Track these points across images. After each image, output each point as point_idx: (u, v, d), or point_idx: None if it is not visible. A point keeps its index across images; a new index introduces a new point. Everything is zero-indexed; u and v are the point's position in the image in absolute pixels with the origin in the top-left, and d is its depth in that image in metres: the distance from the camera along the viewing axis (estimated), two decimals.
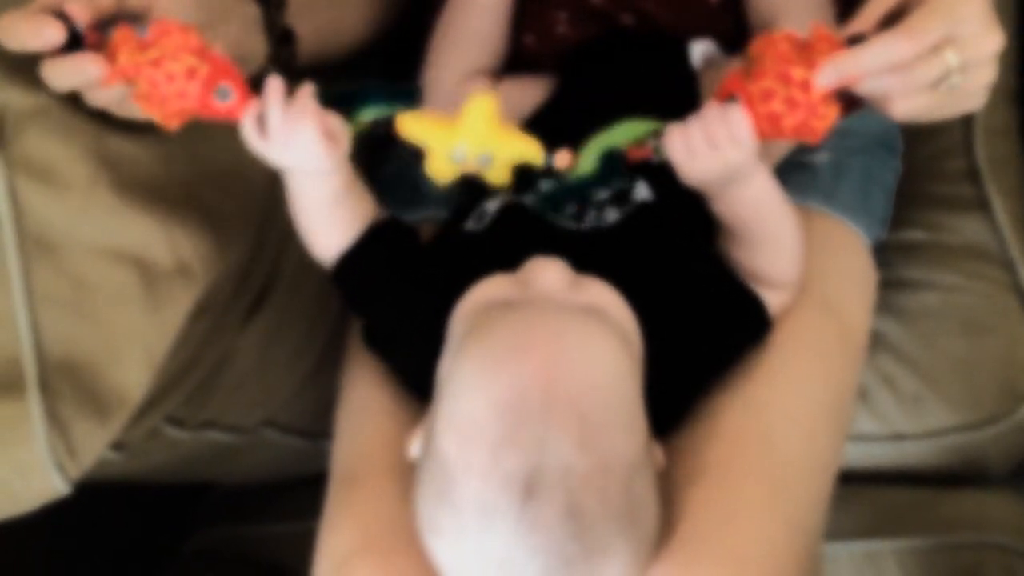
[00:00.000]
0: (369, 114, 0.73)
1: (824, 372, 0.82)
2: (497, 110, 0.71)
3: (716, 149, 0.69)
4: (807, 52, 0.68)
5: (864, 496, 1.08)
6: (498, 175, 0.75)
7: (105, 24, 0.68)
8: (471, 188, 0.80)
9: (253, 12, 0.79)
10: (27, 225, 0.69)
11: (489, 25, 0.91)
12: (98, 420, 0.71)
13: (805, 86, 0.68)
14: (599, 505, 0.62)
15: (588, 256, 0.72)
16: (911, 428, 1.06)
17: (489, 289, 0.71)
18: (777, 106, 0.68)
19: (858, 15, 0.68)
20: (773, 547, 0.71)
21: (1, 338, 0.68)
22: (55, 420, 0.69)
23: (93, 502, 0.81)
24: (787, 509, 0.73)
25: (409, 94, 0.74)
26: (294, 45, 0.83)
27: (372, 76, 1.02)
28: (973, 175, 1.10)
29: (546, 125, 0.78)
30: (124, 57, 0.67)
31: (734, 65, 0.73)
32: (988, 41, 0.67)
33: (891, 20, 0.67)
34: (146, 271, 0.73)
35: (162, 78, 0.68)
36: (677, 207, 0.76)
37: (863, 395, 1.06)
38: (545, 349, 0.64)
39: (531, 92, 0.88)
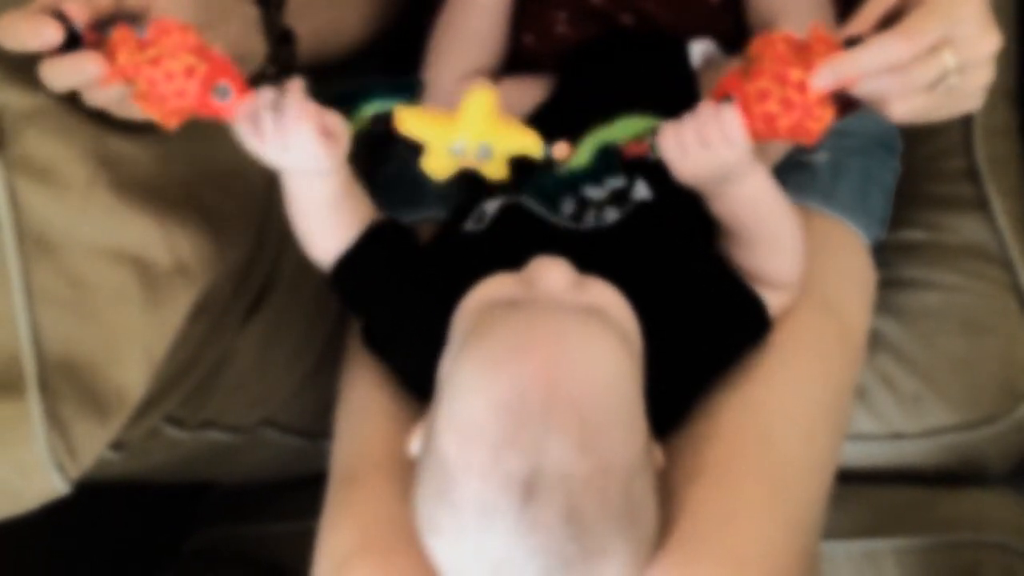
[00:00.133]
0: (371, 109, 0.73)
1: (823, 372, 0.82)
2: (496, 102, 0.71)
3: (708, 148, 0.69)
4: (805, 53, 0.68)
5: (863, 495, 1.08)
6: (496, 169, 0.75)
7: (104, 24, 0.68)
8: (470, 188, 0.80)
9: (252, 12, 0.79)
10: (26, 225, 0.69)
11: (489, 25, 0.91)
12: (98, 420, 0.72)
13: (801, 87, 0.68)
14: (598, 507, 0.62)
15: (588, 256, 0.72)
16: (910, 427, 1.07)
17: (493, 288, 0.71)
18: (773, 107, 0.68)
19: (856, 16, 0.69)
20: (772, 546, 0.71)
21: (1, 338, 0.68)
22: (55, 420, 0.69)
23: (93, 502, 0.81)
24: (786, 509, 0.73)
25: (411, 86, 0.74)
26: (293, 45, 0.83)
27: (372, 76, 1.02)
28: (972, 175, 1.10)
29: (545, 124, 0.78)
30: (123, 56, 0.67)
31: (733, 65, 0.73)
32: (985, 42, 0.67)
33: (889, 21, 0.67)
34: (145, 271, 0.73)
35: (161, 77, 0.68)
36: (676, 207, 0.76)
37: (862, 394, 1.06)
38: (547, 350, 0.64)
39: (530, 92, 0.88)
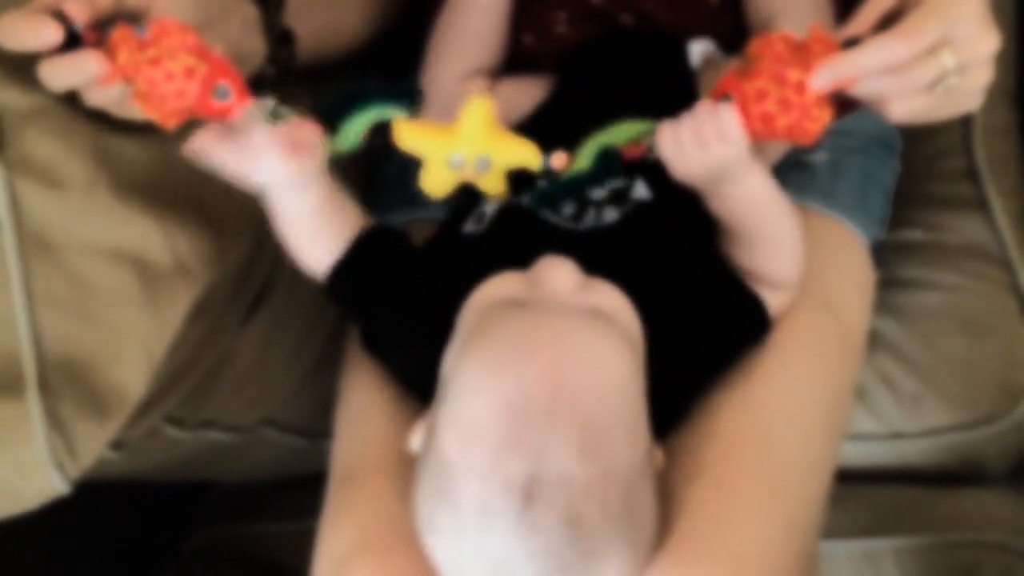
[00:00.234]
0: (368, 116, 0.73)
1: (822, 372, 0.82)
2: (494, 113, 0.71)
3: (705, 147, 0.69)
4: (803, 54, 0.68)
5: (862, 495, 1.08)
6: (494, 182, 0.75)
7: (103, 24, 0.68)
8: (470, 189, 0.80)
9: (252, 12, 0.79)
10: (26, 225, 0.69)
11: (488, 25, 0.90)
12: (97, 420, 0.72)
13: (799, 87, 0.68)
14: (599, 511, 0.62)
15: (588, 256, 0.72)
16: (910, 427, 1.07)
17: (499, 286, 0.71)
18: (770, 106, 0.68)
19: (855, 16, 0.69)
20: (771, 546, 0.71)
21: (1, 338, 0.68)
22: (55, 420, 0.69)
23: (93, 501, 0.81)
24: (785, 508, 0.73)
25: (410, 93, 0.74)
26: (293, 45, 0.83)
27: (372, 76, 1.01)
28: (972, 175, 1.10)
29: (544, 125, 0.78)
30: (123, 56, 0.67)
31: (733, 65, 0.73)
32: (985, 42, 0.67)
33: (888, 22, 0.67)
34: (145, 271, 0.73)
35: (161, 77, 0.68)
36: (676, 206, 0.76)
37: (862, 394, 1.06)
38: (552, 352, 0.64)
39: (530, 92, 0.88)
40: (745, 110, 0.69)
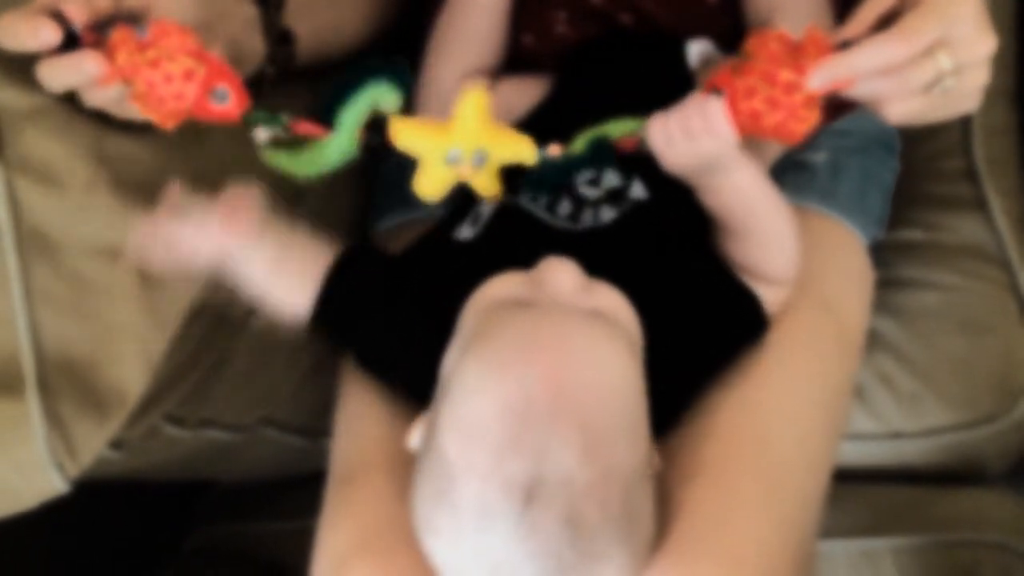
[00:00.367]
0: (363, 102, 0.72)
1: (821, 371, 0.82)
2: (489, 105, 0.71)
3: (693, 139, 0.70)
4: (797, 54, 0.69)
5: (861, 494, 1.08)
6: (489, 181, 0.75)
7: (102, 25, 0.68)
8: (466, 190, 0.80)
9: (252, 12, 0.80)
10: (26, 225, 0.69)
11: (488, 24, 0.91)
12: (97, 419, 0.72)
13: (789, 88, 0.68)
14: (599, 513, 0.62)
15: (585, 257, 0.72)
16: (909, 427, 1.07)
17: (501, 286, 0.71)
18: (758, 104, 0.69)
19: (853, 18, 0.69)
20: (768, 546, 0.71)
21: (0, 337, 0.68)
22: (54, 419, 0.69)
23: (93, 500, 0.81)
24: (782, 508, 0.73)
25: (401, 69, 0.74)
26: (292, 45, 0.83)
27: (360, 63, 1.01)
28: (971, 175, 1.10)
29: (543, 124, 0.78)
30: (122, 57, 0.67)
31: (729, 62, 0.73)
32: (981, 43, 0.67)
33: (886, 22, 0.67)
34: (145, 270, 0.73)
35: (159, 79, 0.68)
36: (673, 205, 0.76)
37: (861, 394, 1.06)
38: (554, 353, 0.64)
39: (529, 92, 0.88)
40: (734, 106, 0.69)
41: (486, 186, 0.75)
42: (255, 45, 0.80)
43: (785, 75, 0.68)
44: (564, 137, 0.75)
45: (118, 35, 0.68)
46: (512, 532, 0.61)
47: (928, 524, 1.07)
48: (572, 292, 0.69)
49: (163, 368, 0.76)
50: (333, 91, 0.73)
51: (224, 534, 1.21)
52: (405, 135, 0.72)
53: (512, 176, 0.76)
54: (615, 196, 0.77)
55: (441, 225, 0.82)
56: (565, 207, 0.77)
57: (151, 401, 0.79)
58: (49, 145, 0.70)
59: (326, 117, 0.72)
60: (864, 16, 0.68)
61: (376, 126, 0.73)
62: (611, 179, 0.78)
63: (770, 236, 0.76)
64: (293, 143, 0.73)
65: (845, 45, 0.68)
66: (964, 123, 1.11)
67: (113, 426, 0.73)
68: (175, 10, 0.70)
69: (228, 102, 0.70)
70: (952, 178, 1.11)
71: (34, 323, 0.69)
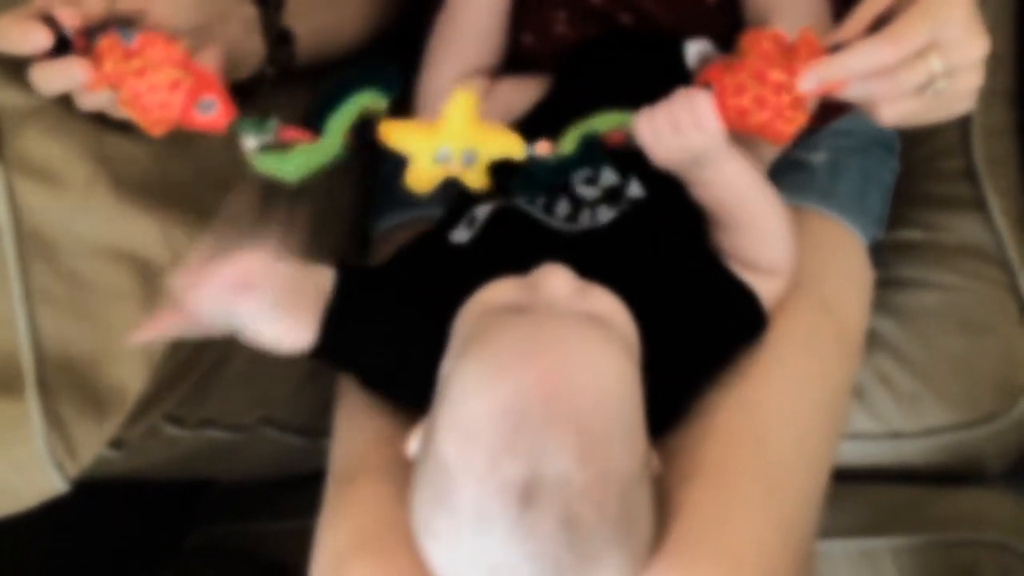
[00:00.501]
0: (351, 108, 0.73)
1: (820, 371, 0.82)
2: (477, 106, 0.72)
3: (680, 132, 0.70)
4: (789, 55, 0.69)
5: (861, 494, 1.08)
6: (477, 178, 0.75)
7: (94, 30, 0.68)
8: (462, 191, 0.80)
9: (251, 12, 0.80)
10: (25, 224, 0.69)
11: (488, 24, 0.91)
12: (96, 418, 0.72)
13: (778, 88, 0.69)
14: (596, 515, 0.62)
15: (582, 259, 0.72)
16: (908, 426, 1.07)
17: (496, 292, 0.71)
18: (746, 102, 0.70)
19: (847, 21, 0.69)
20: (767, 546, 0.71)
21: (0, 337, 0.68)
22: (54, 419, 0.69)
23: (93, 500, 0.81)
24: (781, 508, 0.73)
25: (390, 74, 0.74)
26: (292, 45, 0.83)
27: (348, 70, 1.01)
28: (970, 175, 1.10)
29: (541, 123, 0.78)
30: (109, 65, 0.67)
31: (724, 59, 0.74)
32: (973, 46, 0.68)
33: (880, 24, 0.68)
34: (144, 270, 0.73)
35: (145, 88, 0.68)
36: (670, 202, 0.76)
37: (860, 394, 1.06)
38: (550, 356, 0.64)
39: (529, 91, 0.88)
40: (722, 101, 0.70)
41: (476, 181, 0.75)
42: (255, 45, 0.80)
43: (775, 75, 0.69)
44: (548, 137, 0.75)
45: (104, 43, 0.68)
46: (509, 534, 0.61)
47: (927, 524, 1.07)
48: (567, 297, 0.69)
49: (163, 368, 0.76)
50: (320, 99, 0.73)
51: (224, 534, 1.21)
52: (393, 135, 0.73)
53: (506, 174, 0.76)
54: (612, 195, 0.77)
55: (436, 227, 0.82)
56: (563, 208, 0.77)
57: (151, 401, 0.79)
58: (48, 145, 0.70)
59: (315, 123, 0.72)
60: (858, 18, 0.68)
61: (365, 128, 0.73)
62: (608, 177, 0.78)
63: (762, 227, 0.76)
64: (281, 148, 0.73)
65: (837, 47, 0.68)
66: (963, 123, 1.11)
67: (113, 426, 0.73)
68: (172, 13, 0.71)
69: (214, 112, 0.70)
70: (951, 178, 1.11)
71: (34, 322, 0.69)
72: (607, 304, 0.70)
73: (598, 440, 0.63)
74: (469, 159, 0.73)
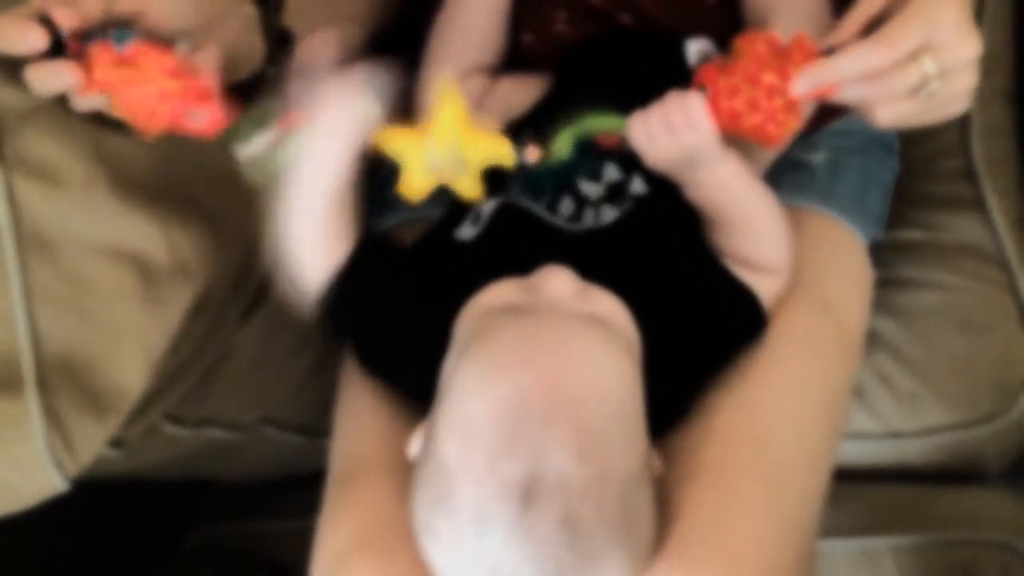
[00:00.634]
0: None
1: (820, 371, 0.82)
2: (465, 111, 0.72)
3: (673, 133, 0.71)
4: (783, 58, 0.70)
5: (861, 494, 1.08)
6: (471, 184, 0.75)
7: (93, 32, 0.68)
8: None
9: (251, 12, 0.80)
10: (25, 224, 0.69)
11: (487, 23, 0.91)
12: (96, 417, 0.72)
13: (771, 91, 0.69)
14: (596, 515, 0.62)
15: (585, 259, 0.72)
16: (908, 426, 1.07)
17: (497, 293, 0.71)
18: (739, 104, 0.70)
19: (840, 24, 0.70)
20: (768, 546, 0.71)
21: None
22: (53, 417, 0.70)
23: (92, 499, 0.81)
24: (782, 508, 0.73)
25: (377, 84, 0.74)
26: (292, 45, 0.83)
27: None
28: (970, 175, 1.10)
29: (541, 122, 0.78)
30: (99, 72, 0.68)
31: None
32: (966, 47, 0.68)
33: (873, 27, 0.68)
34: (144, 269, 0.73)
35: (135, 98, 0.69)
36: (673, 199, 0.77)
37: (860, 393, 1.06)
38: (550, 357, 0.64)
39: (528, 90, 0.88)
40: (715, 104, 0.71)
41: (468, 189, 0.75)
42: (254, 45, 0.80)
43: (768, 78, 0.69)
44: (537, 140, 0.75)
45: (96, 49, 0.68)
46: (510, 534, 0.62)
47: (927, 523, 1.07)
48: (568, 298, 0.69)
49: (163, 367, 0.76)
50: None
51: (224, 533, 1.21)
52: (386, 143, 0.73)
53: (503, 177, 0.76)
54: (616, 191, 0.78)
55: (441, 224, 0.82)
56: (567, 206, 0.78)
57: (151, 400, 0.80)
58: (48, 144, 0.70)
59: None
60: (851, 22, 0.69)
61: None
62: (611, 173, 0.78)
63: (758, 227, 0.76)
64: (271, 153, 0.73)
65: (831, 51, 0.68)
66: (962, 123, 1.11)
67: (113, 425, 0.73)
68: (171, 13, 0.70)
69: (204, 121, 0.70)
70: (951, 178, 1.11)
71: (33, 322, 0.69)
72: (608, 305, 0.71)
73: (598, 440, 0.63)
74: (458, 163, 0.73)
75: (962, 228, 1.09)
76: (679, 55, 0.86)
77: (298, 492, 0.94)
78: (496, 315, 0.69)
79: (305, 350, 1.00)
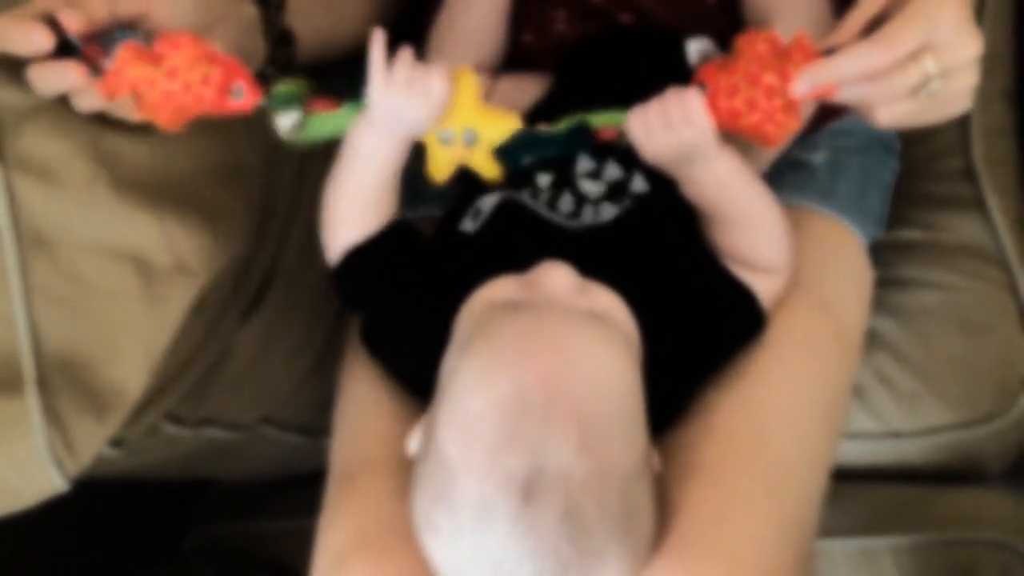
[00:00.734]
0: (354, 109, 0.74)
1: (819, 371, 0.82)
2: (479, 87, 0.74)
3: (671, 128, 0.71)
4: (783, 58, 0.70)
5: (861, 493, 1.08)
6: (486, 161, 0.76)
7: (100, 35, 0.68)
8: (467, 185, 0.81)
9: (252, 13, 0.80)
10: (25, 223, 0.69)
11: (488, 23, 0.91)
12: (96, 417, 0.72)
13: (770, 92, 0.70)
14: (596, 510, 0.62)
15: (584, 256, 0.72)
16: (908, 426, 1.07)
17: (497, 289, 0.71)
18: (738, 103, 0.70)
19: (841, 25, 0.69)
20: (767, 545, 0.71)
21: None
22: (53, 417, 0.70)
23: (93, 499, 0.81)
24: (781, 507, 0.73)
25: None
26: (293, 46, 0.83)
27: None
28: (969, 174, 1.10)
29: (541, 122, 0.78)
30: (136, 71, 0.68)
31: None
32: (966, 46, 0.68)
33: (874, 27, 0.68)
34: (144, 269, 0.73)
35: (179, 88, 0.70)
36: (672, 198, 0.77)
37: (860, 393, 1.06)
38: (550, 352, 0.65)
39: (529, 90, 0.88)
40: (714, 102, 0.71)
41: (485, 167, 0.76)
42: (256, 46, 0.80)
43: (768, 78, 0.70)
44: (548, 123, 0.76)
45: (127, 51, 0.68)
46: (511, 529, 0.62)
47: (927, 523, 1.07)
48: (568, 293, 0.69)
49: (163, 366, 0.76)
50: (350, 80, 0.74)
51: (224, 533, 1.21)
52: None
53: (517, 173, 0.77)
54: (616, 189, 0.78)
55: (444, 220, 0.82)
56: (566, 204, 0.78)
57: (151, 399, 0.80)
58: (48, 144, 0.70)
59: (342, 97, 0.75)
60: (851, 22, 0.69)
61: None
62: (612, 171, 0.79)
63: (756, 225, 0.76)
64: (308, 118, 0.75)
65: (831, 51, 0.68)
66: (963, 123, 1.11)
67: (113, 424, 0.73)
68: (173, 14, 0.71)
69: (243, 97, 0.72)
70: (951, 178, 1.11)
71: (33, 321, 0.69)
72: (608, 301, 0.71)
73: (599, 434, 0.63)
74: (471, 139, 0.74)
75: (962, 228, 1.09)
76: (680, 54, 0.86)
77: (298, 492, 0.94)
78: (496, 311, 0.69)
79: (305, 350, 1.00)
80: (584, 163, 0.79)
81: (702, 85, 0.72)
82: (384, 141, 0.74)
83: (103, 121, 0.72)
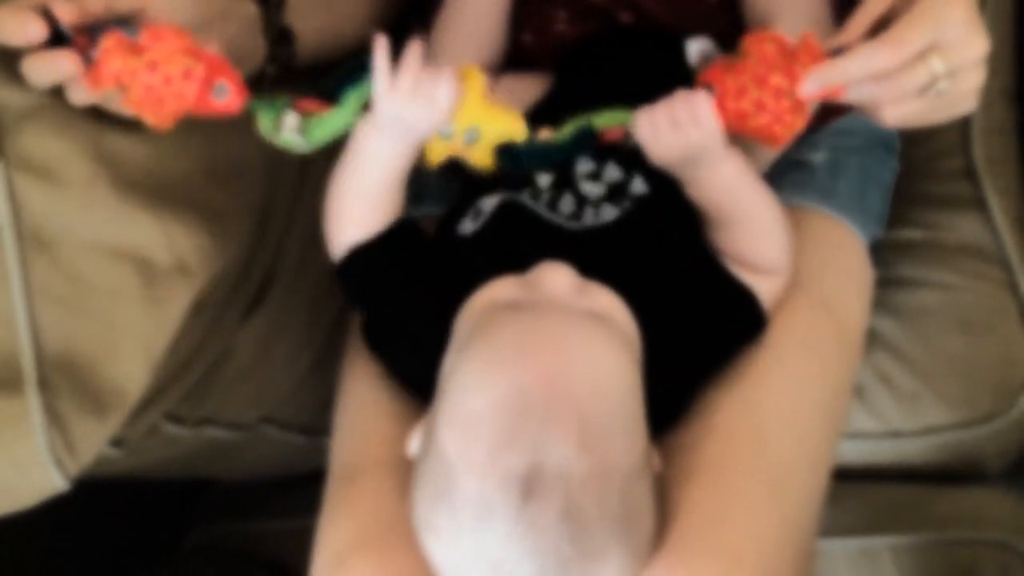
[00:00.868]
0: (356, 94, 0.73)
1: (820, 371, 0.82)
2: (485, 85, 0.73)
3: (678, 129, 0.71)
4: (790, 59, 0.70)
5: (861, 493, 1.08)
6: (482, 157, 0.76)
7: (94, 28, 0.68)
8: (467, 184, 0.81)
9: (252, 11, 0.80)
10: (25, 222, 0.69)
11: (488, 23, 0.91)
12: (96, 417, 0.72)
13: (778, 93, 0.69)
14: (596, 508, 0.62)
15: (584, 257, 0.72)
16: (908, 426, 1.07)
17: (497, 290, 0.71)
18: (746, 105, 0.70)
19: (847, 25, 0.69)
20: (767, 544, 0.71)
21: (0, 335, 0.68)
22: (53, 416, 0.69)
23: (93, 498, 0.81)
24: (782, 507, 0.73)
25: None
26: (293, 44, 0.83)
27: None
28: (970, 174, 1.10)
29: (542, 121, 0.78)
30: (118, 62, 0.67)
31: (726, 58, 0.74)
32: (974, 46, 0.68)
33: (880, 27, 0.68)
34: (145, 268, 0.73)
35: (159, 81, 0.68)
36: (672, 200, 0.77)
37: (860, 393, 1.06)
38: (550, 351, 0.65)
39: (529, 90, 0.88)
40: (722, 103, 0.71)
41: (481, 160, 0.76)
42: (255, 44, 0.80)
43: (776, 79, 0.69)
44: (552, 125, 0.76)
45: (110, 41, 0.68)
46: (511, 529, 0.62)
47: (927, 523, 1.07)
48: (567, 293, 0.69)
49: (163, 366, 0.76)
50: (339, 76, 0.74)
51: (224, 533, 1.21)
52: None
53: (514, 174, 0.77)
54: (616, 191, 0.78)
55: (444, 221, 0.82)
56: (567, 205, 0.78)
57: (151, 399, 0.80)
58: (49, 143, 0.70)
59: (332, 97, 0.73)
60: (858, 22, 0.69)
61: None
62: (612, 173, 0.79)
63: (758, 226, 0.76)
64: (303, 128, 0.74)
65: (838, 51, 0.68)
66: (963, 123, 1.11)
67: (113, 424, 0.73)
68: (171, 10, 0.70)
69: (228, 96, 0.70)
70: (951, 177, 1.11)
71: (34, 320, 0.69)
72: (607, 302, 0.71)
73: (599, 433, 0.63)
74: (472, 137, 0.74)
75: (962, 228, 1.09)
76: (680, 54, 0.86)
77: (298, 492, 0.94)
78: (496, 311, 0.69)
79: (305, 350, 1.00)
80: (584, 164, 0.79)
81: (709, 86, 0.71)
82: (390, 145, 0.74)
83: (104, 120, 0.72)
